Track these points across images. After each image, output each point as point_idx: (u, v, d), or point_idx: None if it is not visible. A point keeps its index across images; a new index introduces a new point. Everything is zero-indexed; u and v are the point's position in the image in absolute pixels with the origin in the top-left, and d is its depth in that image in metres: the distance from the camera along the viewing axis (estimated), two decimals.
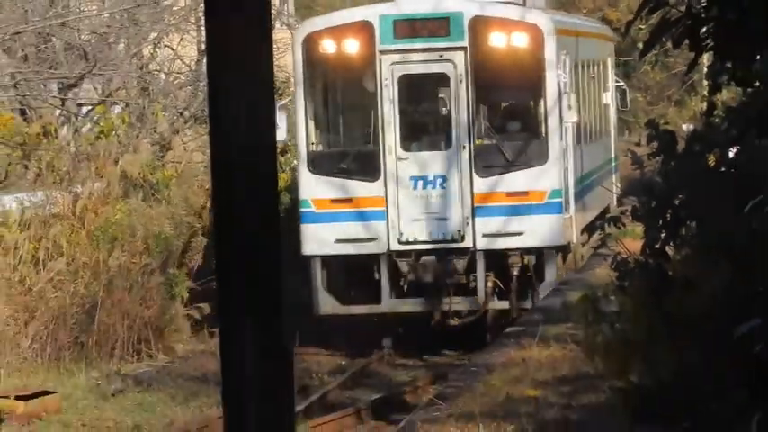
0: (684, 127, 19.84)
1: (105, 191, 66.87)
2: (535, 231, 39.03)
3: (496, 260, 41.14)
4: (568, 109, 39.21)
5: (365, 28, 42.33)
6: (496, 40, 39.87)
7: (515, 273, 39.37)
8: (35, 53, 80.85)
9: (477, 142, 38.62)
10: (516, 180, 40.08)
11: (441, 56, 41.31)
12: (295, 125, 44.01)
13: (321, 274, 39.88)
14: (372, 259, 40.75)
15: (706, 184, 17.85)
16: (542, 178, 40.12)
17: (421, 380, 49.86)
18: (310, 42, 40.61)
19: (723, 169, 17.82)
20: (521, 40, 38.15)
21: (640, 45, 19.40)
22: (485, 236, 39.10)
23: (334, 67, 42.83)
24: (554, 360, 36.07)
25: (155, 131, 77.85)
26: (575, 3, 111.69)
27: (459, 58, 38.47)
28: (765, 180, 15.16)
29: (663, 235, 21.32)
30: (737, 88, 15.81)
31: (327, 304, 39.44)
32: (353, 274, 43.47)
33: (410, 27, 42.25)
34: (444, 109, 41.32)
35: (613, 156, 64.27)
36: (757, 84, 14.79)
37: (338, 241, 40.51)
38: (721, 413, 19.94)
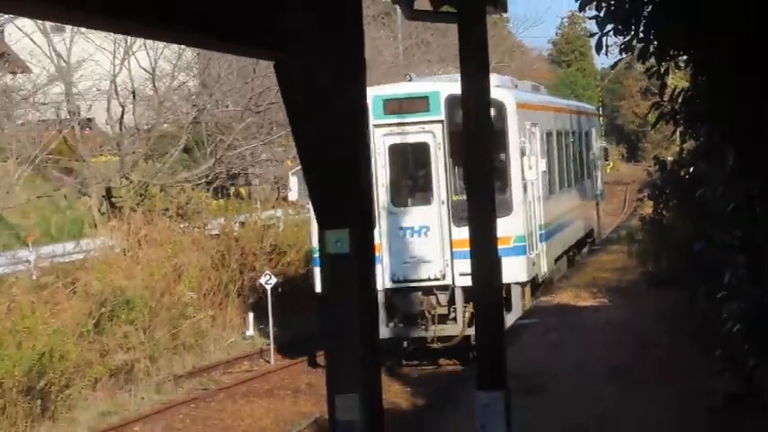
0: (669, 158, 19.67)
1: None
2: (503, 270, 28.59)
3: (473, 294, 17.44)
4: (529, 168, 28.43)
5: None
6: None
7: None
8: None
9: (454, 198, 28.27)
10: None
11: (422, 128, 29.04)
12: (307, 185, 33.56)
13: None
14: None
15: (679, 184, 18.03)
16: (508, 226, 27.50)
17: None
18: None
19: (687, 177, 17.80)
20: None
21: (650, 120, 18.83)
22: (462, 275, 27.41)
23: None
24: (614, 260, 35.66)
25: None
26: (621, 101, 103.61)
27: (437, 129, 27.97)
28: (705, 182, 14.91)
29: (661, 206, 21.59)
30: (695, 141, 15.46)
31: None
32: None
33: (397, 105, 29.36)
34: (426, 172, 29.23)
35: (598, 192, 47.13)
36: (702, 140, 14.56)
37: None
38: (686, 283, 19.92)
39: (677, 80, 12.91)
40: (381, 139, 24.83)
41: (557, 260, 34.48)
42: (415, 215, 24.03)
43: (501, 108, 24.46)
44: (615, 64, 17.16)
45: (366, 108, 8.83)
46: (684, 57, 12.04)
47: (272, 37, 7.42)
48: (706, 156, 14.45)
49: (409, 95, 24.53)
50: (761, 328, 12.10)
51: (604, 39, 11.54)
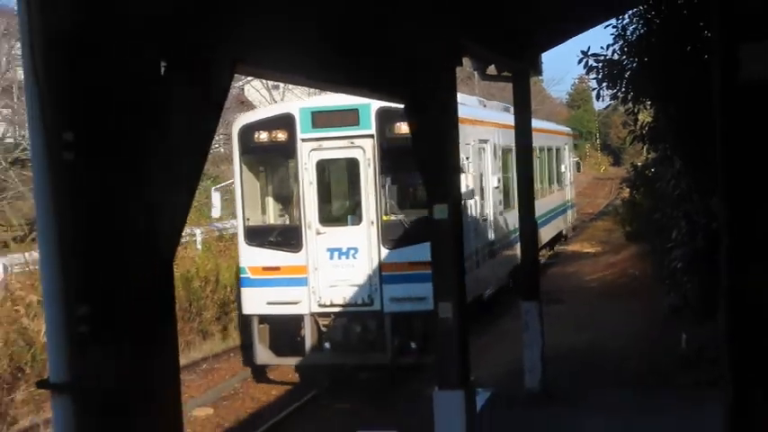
0: (639, 163, 17.98)
1: None
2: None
3: (403, 321, 14.11)
4: (467, 187, 14.28)
5: (288, 119, 15.51)
6: (398, 128, 13.90)
7: (418, 333, 14.04)
8: None
9: (384, 218, 14.32)
10: (418, 251, 12.83)
11: (352, 143, 15.09)
12: (234, 203, 17.12)
13: (258, 330, 15.43)
14: (298, 319, 15.30)
15: (645, 179, 17.20)
16: None
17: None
18: (244, 133, 15.61)
19: (650, 175, 17.04)
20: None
21: (627, 141, 16.58)
22: (391, 300, 14.04)
23: (263, 154, 15.89)
24: (605, 225, 33.57)
25: None
26: (610, 129, 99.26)
27: (367, 144, 14.51)
28: (660, 178, 14.50)
29: (634, 192, 20.67)
30: (655, 153, 14.95)
31: (264, 356, 15.50)
32: (283, 330, 15.75)
33: (326, 117, 15.56)
34: (355, 190, 14.82)
35: (569, 199, 31.37)
36: (659, 152, 13.79)
37: (269, 303, 15.24)
38: (649, 238, 18.59)
39: (644, 116, 12.55)
40: (309, 155, 15.07)
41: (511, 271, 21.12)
42: (343, 236, 14.51)
43: None
44: (607, 106, 17.11)
45: (457, 129, 8.05)
46: (649, 102, 11.78)
47: (404, 90, 7.43)
48: (661, 162, 14.13)
49: (338, 108, 14.82)
50: (692, 265, 11.93)
51: (600, 91, 11.37)
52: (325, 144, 14.21)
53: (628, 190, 22.61)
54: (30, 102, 2.85)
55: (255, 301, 14.39)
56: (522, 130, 11.10)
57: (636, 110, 11.67)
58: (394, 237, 13.43)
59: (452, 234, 7.65)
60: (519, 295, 11.60)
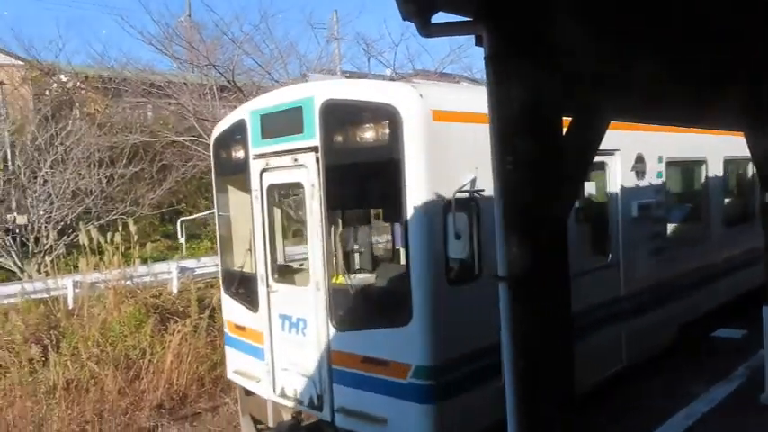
0: None
1: None
2: (398, 423, 3.08)
3: None
4: (456, 239, 3.25)
5: (242, 128, 4.83)
6: (345, 133, 3.36)
7: None
8: None
9: (332, 280, 3.81)
10: (374, 341, 3.20)
11: (295, 160, 4.15)
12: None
13: (240, 398, 5.83)
14: (263, 401, 5.20)
15: None
16: (405, 345, 3.24)
17: None
18: (217, 146, 5.22)
19: None
20: (372, 132, 3.07)
21: None
22: (342, 412, 3.65)
23: (231, 174, 5.18)
24: None
25: None
26: None
27: (310, 160, 3.77)
28: None
29: None
30: None
31: (245, 429, 5.92)
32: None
33: (274, 123, 4.42)
34: (303, 232, 3.92)
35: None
36: None
37: (235, 372, 5.53)
38: None
39: None
40: (258, 177, 5.70)
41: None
42: (293, 299, 5.40)
43: (393, 121, 4.29)
44: None
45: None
46: None
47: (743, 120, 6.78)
48: None
49: (284, 107, 5.04)
50: None
51: None
52: (274, 162, 6.16)
53: None
54: (493, 141, 3.19)
55: (230, 365, 7.05)
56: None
57: None
58: (344, 311, 5.62)
59: None
60: None
